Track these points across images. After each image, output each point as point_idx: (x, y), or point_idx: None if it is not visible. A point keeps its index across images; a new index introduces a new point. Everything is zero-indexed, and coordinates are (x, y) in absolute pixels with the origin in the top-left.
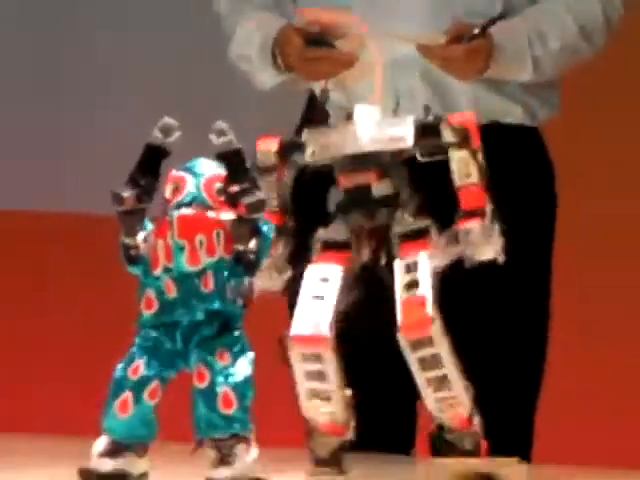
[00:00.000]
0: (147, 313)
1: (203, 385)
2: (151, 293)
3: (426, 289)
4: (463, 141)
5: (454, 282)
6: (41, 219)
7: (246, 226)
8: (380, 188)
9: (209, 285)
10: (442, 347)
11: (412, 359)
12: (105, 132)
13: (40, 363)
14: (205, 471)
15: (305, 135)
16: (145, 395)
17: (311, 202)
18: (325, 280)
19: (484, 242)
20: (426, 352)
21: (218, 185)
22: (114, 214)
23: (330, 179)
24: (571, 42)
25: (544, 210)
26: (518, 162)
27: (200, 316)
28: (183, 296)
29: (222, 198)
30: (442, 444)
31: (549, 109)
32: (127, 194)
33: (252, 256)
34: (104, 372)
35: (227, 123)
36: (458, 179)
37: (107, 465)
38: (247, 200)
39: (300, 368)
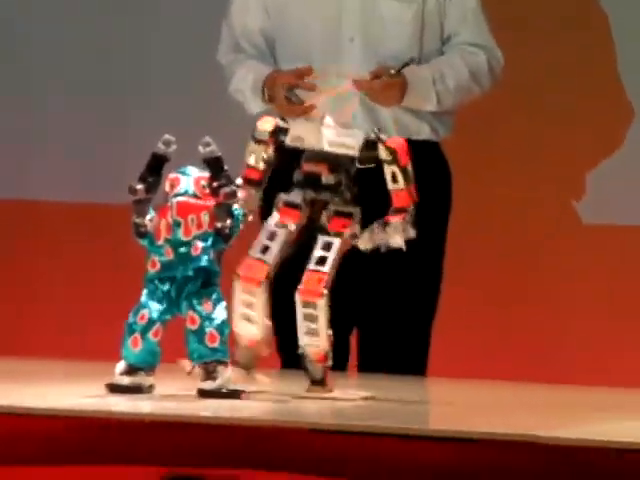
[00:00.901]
0: (152, 271)
1: (195, 327)
2: (155, 257)
3: (329, 268)
4: (392, 159)
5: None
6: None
7: (224, 209)
8: (327, 178)
9: (197, 250)
10: (321, 312)
11: (300, 311)
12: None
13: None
14: (195, 384)
15: (292, 123)
16: (150, 335)
17: (281, 172)
18: (272, 237)
19: (397, 234)
20: (310, 311)
21: (203, 182)
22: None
23: (296, 157)
24: (464, 82)
25: (443, 201)
26: (426, 168)
27: (190, 272)
28: (179, 258)
29: (207, 190)
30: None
31: (446, 130)
32: (139, 187)
33: (227, 230)
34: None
35: (212, 137)
36: (389, 185)
37: (125, 380)
38: (224, 190)
39: (238, 297)
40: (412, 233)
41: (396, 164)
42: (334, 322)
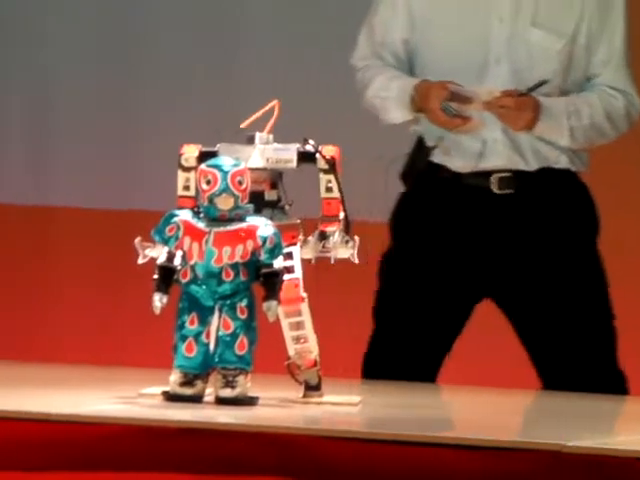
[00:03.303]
0: (183, 280)
1: (228, 332)
2: (188, 270)
3: (299, 274)
4: (330, 169)
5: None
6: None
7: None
8: (270, 194)
9: (230, 276)
10: (306, 317)
11: (284, 323)
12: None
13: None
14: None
15: (220, 148)
16: (203, 337)
17: None
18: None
19: (342, 245)
20: (295, 320)
21: (239, 178)
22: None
23: None
24: (599, 122)
25: (591, 228)
26: (567, 195)
27: (219, 295)
28: (208, 282)
29: (242, 187)
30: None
31: (583, 164)
32: (158, 302)
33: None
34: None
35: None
36: (323, 193)
37: (188, 391)
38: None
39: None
40: (355, 245)
41: (333, 174)
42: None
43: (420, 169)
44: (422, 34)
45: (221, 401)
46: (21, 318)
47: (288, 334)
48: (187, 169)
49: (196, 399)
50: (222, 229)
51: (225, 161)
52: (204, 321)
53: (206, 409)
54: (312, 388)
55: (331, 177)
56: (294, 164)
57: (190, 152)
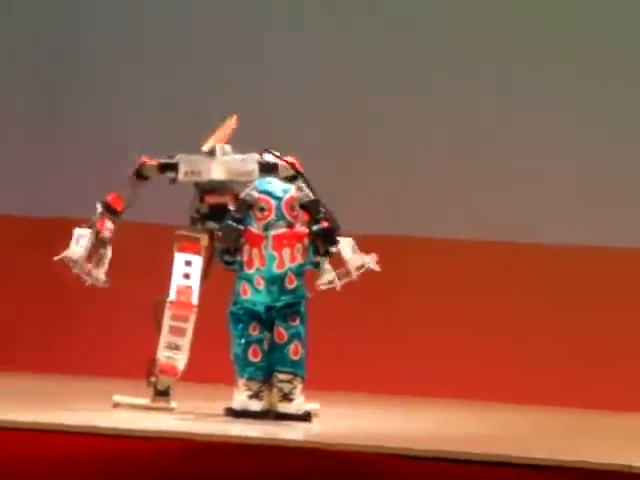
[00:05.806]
0: (243, 297)
1: (283, 341)
2: (246, 284)
3: (195, 283)
4: (299, 174)
5: None
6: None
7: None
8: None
9: (293, 282)
10: (190, 326)
11: (166, 324)
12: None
13: None
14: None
15: (179, 159)
16: (264, 345)
17: None
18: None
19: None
20: (178, 324)
21: (293, 204)
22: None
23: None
24: None
25: None
26: None
27: (281, 303)
28: (271, 289)
29: (295, 212)
30: None
31: None
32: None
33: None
34: None
35: None
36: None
37: (256, 406)
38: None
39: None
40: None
41: (303, 177)
42: None
43: None
44: None
45: (280, 416)
46: None
47: (165, 337)
48: (143, 177)
49: (264, 415)
50: (280, 231)
51: (277, 186)
52: (263, 331)
53: (266, 425)
54: (161, 393)
55: (299, 182)
56: (256, 175)
57: (150, 163)
